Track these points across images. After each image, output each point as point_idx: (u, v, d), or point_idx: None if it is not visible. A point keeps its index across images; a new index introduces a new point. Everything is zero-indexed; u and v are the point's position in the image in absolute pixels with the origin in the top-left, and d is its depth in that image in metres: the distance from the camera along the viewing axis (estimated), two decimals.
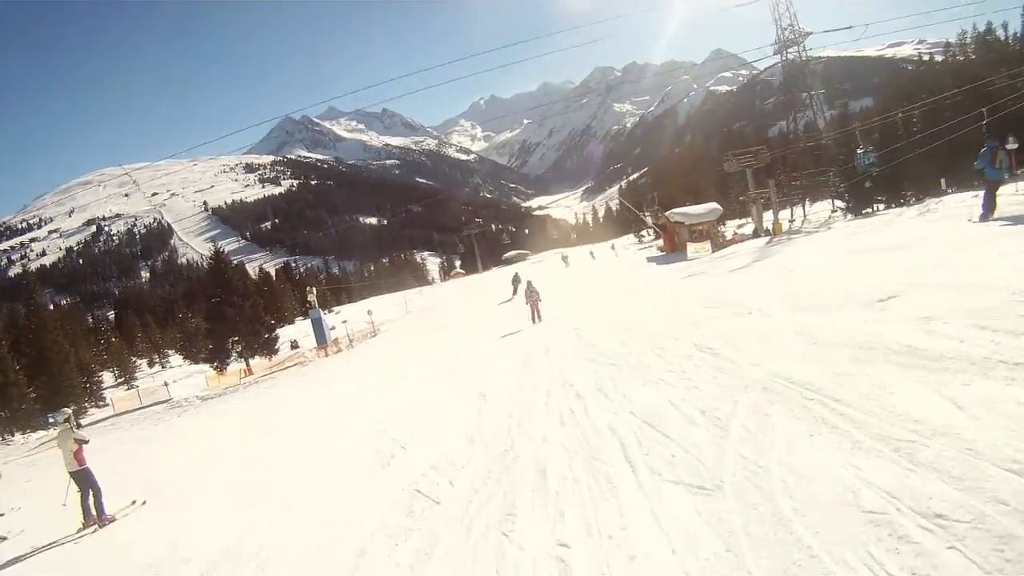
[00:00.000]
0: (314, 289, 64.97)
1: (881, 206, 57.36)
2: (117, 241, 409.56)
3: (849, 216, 54.34)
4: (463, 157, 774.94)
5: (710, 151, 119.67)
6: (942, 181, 51.90)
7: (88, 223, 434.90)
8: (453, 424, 11.98)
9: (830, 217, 53.67)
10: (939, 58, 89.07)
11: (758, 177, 54.98)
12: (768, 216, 54.99)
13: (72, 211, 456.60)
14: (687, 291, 22.55)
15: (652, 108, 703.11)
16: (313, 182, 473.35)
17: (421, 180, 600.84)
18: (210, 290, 60.46)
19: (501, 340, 24.55)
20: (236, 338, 59.11)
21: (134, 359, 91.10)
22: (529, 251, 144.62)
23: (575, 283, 47.61)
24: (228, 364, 59.01)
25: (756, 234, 51.17)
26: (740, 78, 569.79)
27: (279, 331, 77.17)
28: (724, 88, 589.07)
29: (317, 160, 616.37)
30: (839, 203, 60.68)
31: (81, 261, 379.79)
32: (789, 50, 52.97)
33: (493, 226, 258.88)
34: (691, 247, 43.95)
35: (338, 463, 12.03)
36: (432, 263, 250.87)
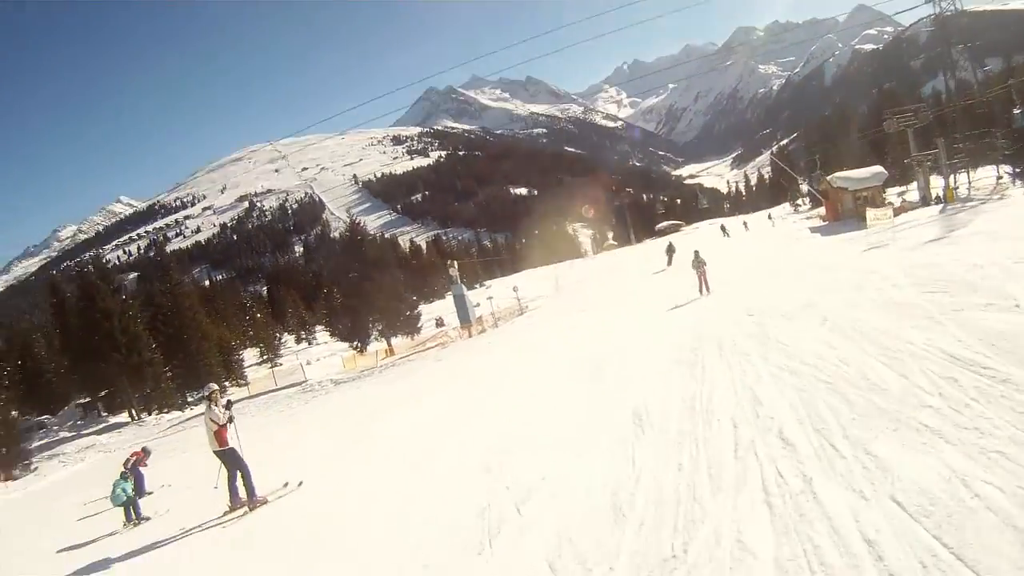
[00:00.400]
0: (455, 263, 59.24)
1: None
2: (270, 216, 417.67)
3: (1019, 183, 49.31)
4: (610, 124, 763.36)
5: (860, 112, 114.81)
6: None
7: (240, 199, 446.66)
8: (593, 471, 8.35)
9: (999, 183, 48.83)
10: None
11: (919, 138, 50.80)
12: (935, 181, 50.51)
13: (224, 188, 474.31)
14: (887, 267, 18.27)
15: (797, 69, 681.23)
16: (461, 153, 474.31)
17: (569, 148, 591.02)
18: (347, 264, 58.15)
19: (661, 323, 20.93)
20: (376, 316, 56.85)
21: (279, 335, 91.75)
22: (683, 221, 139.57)
23: (738, 254, 43.31)
24: (368, 343, 57.35)
25: (925, 202, 46.88)
26: (885, 36, 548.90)
27: (429, 306, 77.98)
28: (870, 46, 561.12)
29: (464, 131, 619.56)
30: (1005, 168, 55.36)
31: (235, 237, 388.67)
32: None
33: (644, 196, 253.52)
34: (870, 213, 39.53)
35: (426, 525, 8.44)
36: (584, 235, 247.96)
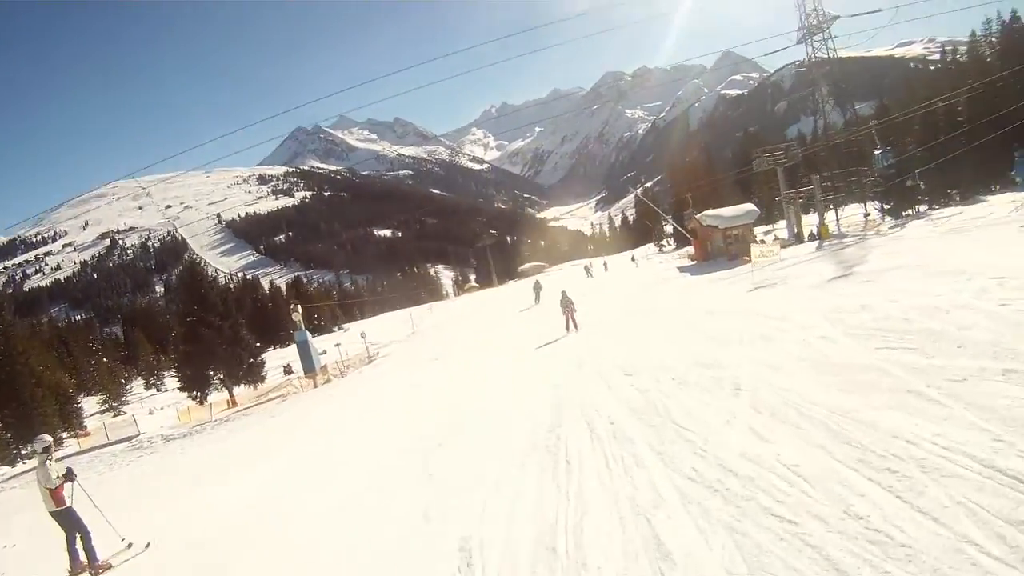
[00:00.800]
0: (299, 306, 57.05)
1: (923, 207, 53.13)
2: (131, 255, 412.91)
3: (890, 219, 50.17)
4: (476, 167, 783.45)
5: (725, 155, 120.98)
6: (1013, 173, 48.48)
7: (102, 236, 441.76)
8: None
9: (871, 220, 50.69)
10: (955, 55, 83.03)
11: (787, 177, 52.59)
12: (808, 220, 52.39)
13: (86, 224, 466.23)
14: (797, 312, 14.85)
15: (663, 114, 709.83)
16: (326, 193, 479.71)
17: (435, 191, 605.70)
18: (185, 308, 55.10)
19: (518, 380, 17.55)
20: (215, 364, 53.85)
21: (124, 382, 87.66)
22: (545, 263, 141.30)
23: (606, 295, 41.13)
24: (209, 392, 54.04)
25: (799, 239, 47.26)
26: (751, 81, 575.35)
27: (283, 351, 78.35)
28: (735, 92, 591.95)
29: (330, 171, 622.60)
30: (873, 206, 55.78)
31: (96, 275, 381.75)
32: (814, 38, 48.71)
33: (508, 238, 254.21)
34: (755, 249, 37.91)
35: None
36: (446, 276, 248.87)
